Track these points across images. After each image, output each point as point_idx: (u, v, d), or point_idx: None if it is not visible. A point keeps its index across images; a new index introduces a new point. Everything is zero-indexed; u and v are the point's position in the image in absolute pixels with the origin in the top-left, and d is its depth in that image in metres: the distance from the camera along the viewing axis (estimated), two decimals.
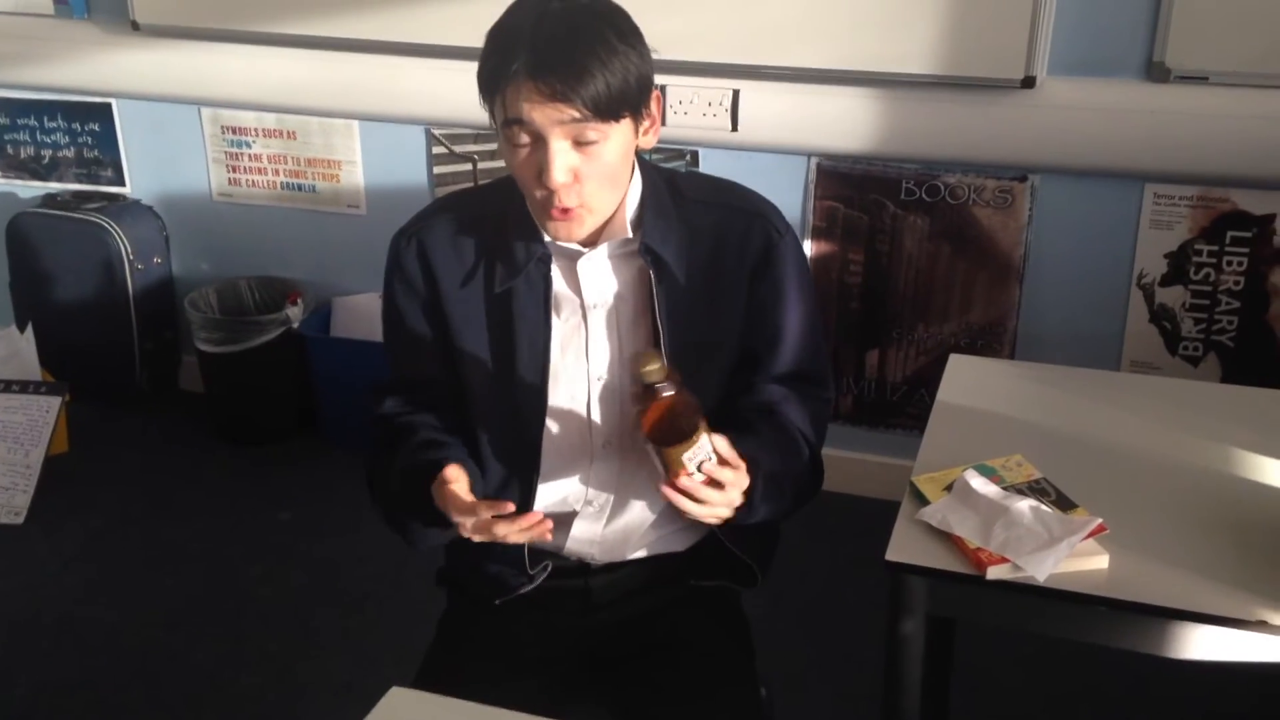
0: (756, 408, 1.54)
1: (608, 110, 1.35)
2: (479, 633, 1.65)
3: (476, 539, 1.37)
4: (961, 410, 1.81)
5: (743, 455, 1.40)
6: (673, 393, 1.34)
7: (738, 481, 1.37)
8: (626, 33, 1.38)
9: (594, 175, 1.39)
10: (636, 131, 1.43)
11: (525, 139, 1.37)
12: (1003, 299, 2.80)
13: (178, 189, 3.43)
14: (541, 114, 1.34)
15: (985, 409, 1.81)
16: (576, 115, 1.33)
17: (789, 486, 1.51)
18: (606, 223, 1.47)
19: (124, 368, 3.44)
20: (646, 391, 1.34)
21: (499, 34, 1.38)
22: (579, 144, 1.37)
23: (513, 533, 1.35)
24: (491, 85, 1.38)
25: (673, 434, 1.34)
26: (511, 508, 1.35)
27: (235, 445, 3.31)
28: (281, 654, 2.52)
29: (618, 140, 1.39)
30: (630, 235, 1.49)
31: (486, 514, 1.34)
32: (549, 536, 1.37)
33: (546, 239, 1.48)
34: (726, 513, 1.39)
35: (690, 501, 1.35)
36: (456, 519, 1.37)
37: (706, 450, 1.34)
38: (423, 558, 1.75)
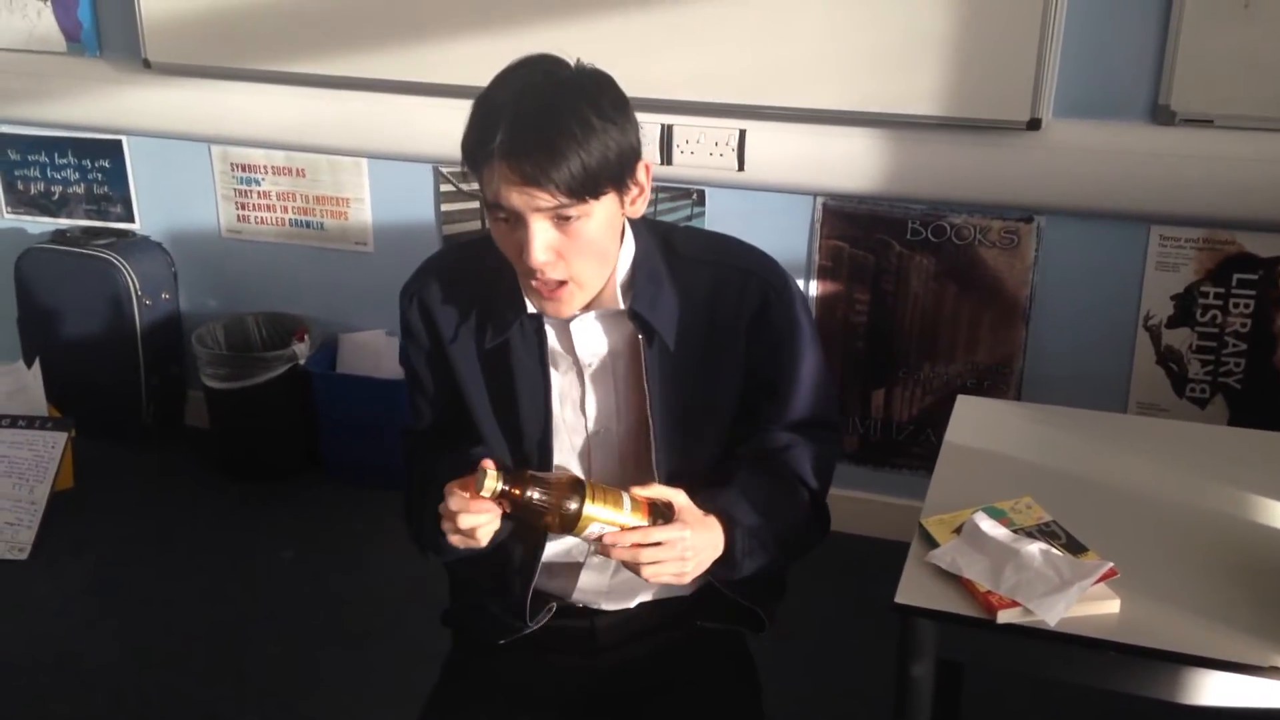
0: (757, 454, 1.53)
1: (584, 190, 1.33)
2: (483, 673, 1.64)
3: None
4: (970, 452, 1.80)
5: (717, 511, 1.41)
6: (535, 493, 1.33)
7: (664, 540, 1.36)
8: (607, 108, 1.35)
9: (577, 252, 1.38)
10: (622, 203, 1.42)
11: (507, 220, 1.37)
12: (1009, 339, 2.80)
13: (187, 225, 3.45)
14: (518, 197, 1.33)
15: (993, 450, 1.81)
16: (550, 198, 1.33)
17: (779, 538, 1.49)
18: (597, 295, 1.47)
19: (130, 403, 3.44)
20: (509, 501, 1.33)
21: (481, 108, 1.37)
22: (560, 221, 1.36)
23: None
24: (471, 162, 1.38)
25: (557, 526, 1.34)
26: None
27: (240, 481, 3.30)
28: (284, 692, 2.50)
29: (600, 216, 1.38)
30: (621, 305, 1.48)
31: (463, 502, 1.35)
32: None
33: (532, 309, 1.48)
34: (684, 568, 1.38)
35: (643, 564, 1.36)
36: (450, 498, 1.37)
37: (601, 527, 1.35)
38: (427, 597, 1.74)
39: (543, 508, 1.33)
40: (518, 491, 1.32)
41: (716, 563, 1.42)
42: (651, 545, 1.35)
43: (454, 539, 1.38)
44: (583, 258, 1.39)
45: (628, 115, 1.38)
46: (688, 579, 1.40)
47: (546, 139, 1.31)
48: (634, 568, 1.37)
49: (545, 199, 1.33)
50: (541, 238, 1.36)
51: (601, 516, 1.34)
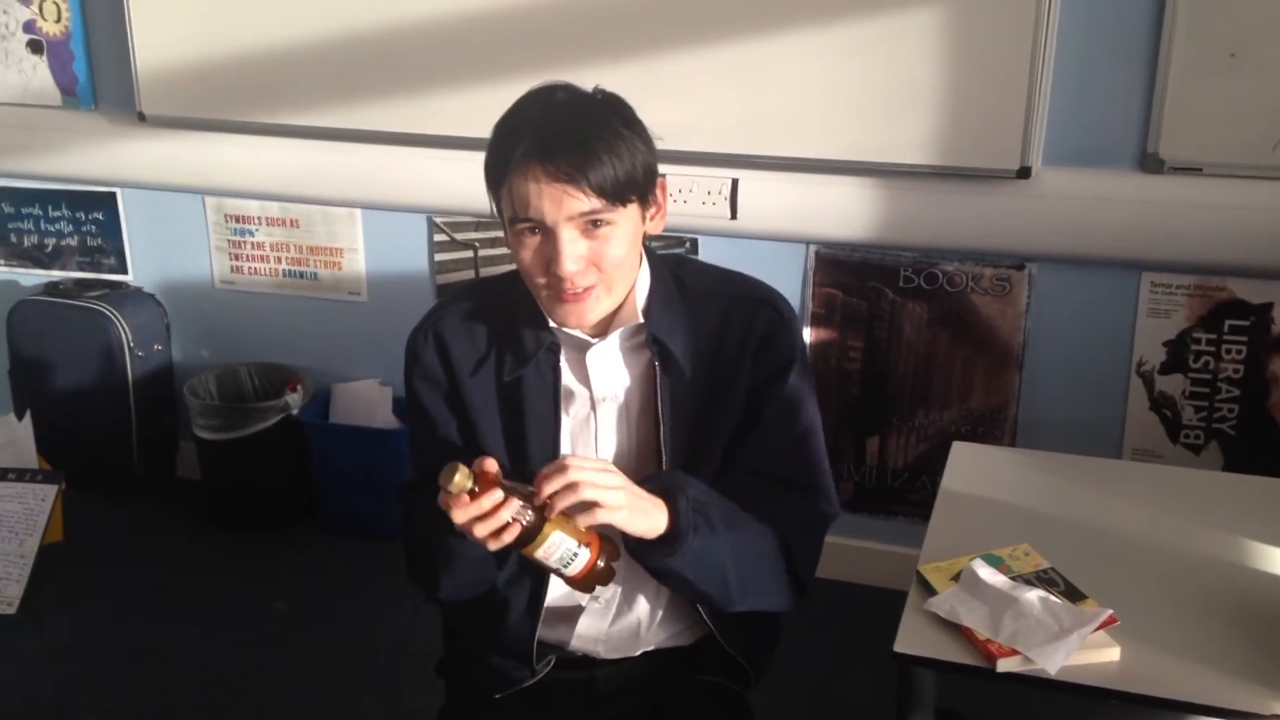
0: (734, 492, 1.48)
1: (615, 194, 1.36)
2: None
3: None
4: (966, 498, 1.80)
5: (664, 483, 1.37)
6: (494, 497, 1.30)
7: (595, 468, 1.31)
8: (632, 121, 1.41)
9: (604, 262, 1.40)
10: (644, 218, 1.44)
11: (534, 233, 1.38)
12: (1002, 386, 2.80)
13: (180, 277, 3.45)
14: (551, 200, 1.34)
15: (990, 497, 1.80)
16: (583, 200, 1.34)
17: (730, 534, 1.41)
18: (617, 310, 1.47)
19: (121, 455, 3.42)
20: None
21: (505, 125, 1.40)
22: (588, 230, 1.37)
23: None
24: (498, 172, 1.38)
25: (520, 539, 1.31)
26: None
27: (232, 533, 3.28)
28: None
29: (626, 226, 1.40)
30: (641, 320, 1.48)
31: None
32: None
33: (554, 325, 1.48)
34: (609, 502, 1.30)
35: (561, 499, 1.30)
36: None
37: (559, 542, 1.32)
38: (420, 649, 1.73)
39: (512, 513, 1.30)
40: (489, 484, 1.29)
41: (663, 537, 1.35)
42: (585, 478, 1.30)
43: (490, 545, 1.32)
44: (609, 268, 1.41)
45: (647, 133, 1.42)
46: (634, 521, 1.33)
47: (579, 140, 1.34)
48: (599, 511, 1.30)
49: (578, 200, 1.34)
50: (571, 247, 1.37)
51: (554, 549, 1.32)
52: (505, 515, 1.29)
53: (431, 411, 1.54)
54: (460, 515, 1.29)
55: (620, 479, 1.33)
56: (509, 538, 1.30)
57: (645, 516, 1.34)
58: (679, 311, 1.51)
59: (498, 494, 1.29)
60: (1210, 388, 2.66)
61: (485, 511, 1.29)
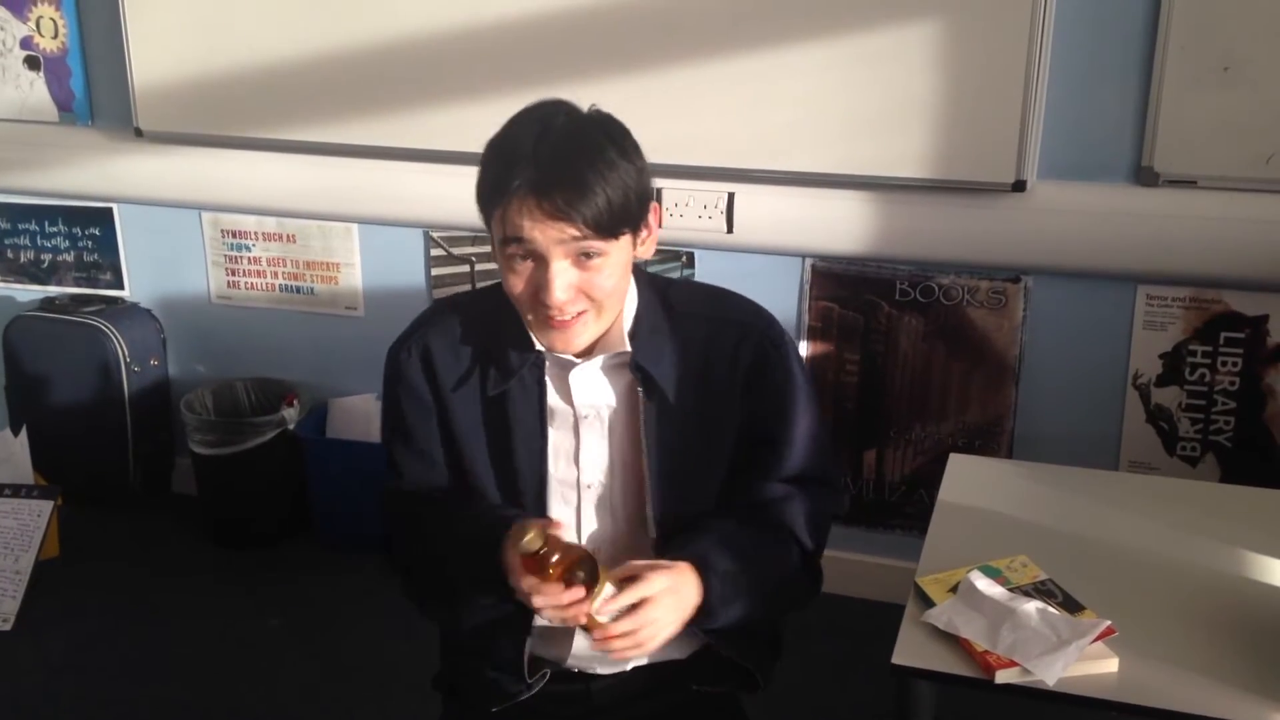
0: (749, 506, 1.52)
1: (608, 228, 1.35)
2: None
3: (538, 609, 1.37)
4: (964, 510, 1.80)
5: (692, 557, 1.41)
6: (558, 556, 1.33)
7: (648, 603, 1.36)
8: (627, 148, 1.39)
9: (595, 290, 1.40)
10: (635, 244, 1.44)
11: (525, 258, 1.38)
12: (999, 399, 2.80)
13: (176, 292, 3.45)
14: (543, 232, 1.34)
15: (987, 509, 1.80)
16: (577, 234, 1.34)
17: (760, 587, 1.48)
18: (603, 334, 1.47)
19: (117, 470, 3.42)
20: (534, 561, 1.33)
21: (500, 148, 1.39)
22: (580, 261, 1.37)
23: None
24: (492, 200, 1.38)
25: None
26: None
27: (228, 549, 3.27)
28: None
29: (618, 256, 1.40)
30: (628, 348, 1.48)
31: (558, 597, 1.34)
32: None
33: (539, 347, 1.48)
34: (661, 635, 1.38)
35: (620, 642, 1.36)
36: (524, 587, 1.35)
37: (608, 592, 1.36)
38: (416, 664, 1.72)
39: (568, 569, 1.33)
40: (557, 544, 1.33)
41: (696, 610, 1.42)
42: (641, 611, 1.36)
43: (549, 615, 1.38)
44: (599, 295, 1.41)
45: (642, 158, 1.42)
46: (677, 626, 1.40)
47: (575, 173, 1.33)
48: (636, 647, 1.37)
49: (572, 232, 1.34)
50: (562, 278, 1.37)
51: (610, 584, 1.36)
52: (573, 597, 1.33)
53: (410, 426, 1.54)
54: (540, 601, 1.34)
55: (666, 597, 1.38)
56: (580, 619, 1.35)
57: (682, 615, 1.41)
58: (665, 335, 1.51)
59: (580, 591, 1.33)
60: (1206, 400, 2.67)
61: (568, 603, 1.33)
